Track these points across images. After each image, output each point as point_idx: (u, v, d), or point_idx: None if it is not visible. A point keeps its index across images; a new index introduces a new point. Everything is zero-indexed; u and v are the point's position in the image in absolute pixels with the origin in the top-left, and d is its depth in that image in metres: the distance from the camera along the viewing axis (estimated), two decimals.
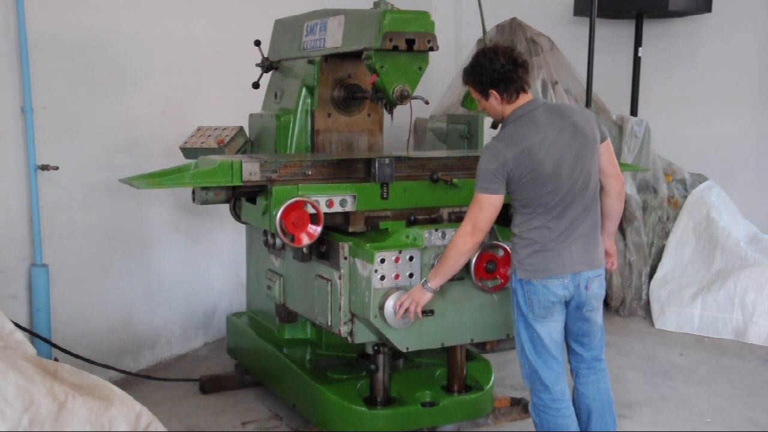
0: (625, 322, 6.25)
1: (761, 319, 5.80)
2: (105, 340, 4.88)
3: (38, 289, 4.40)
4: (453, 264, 3.37)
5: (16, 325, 3.33)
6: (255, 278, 4.75)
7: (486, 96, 3.35)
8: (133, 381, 4.81)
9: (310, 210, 3.59)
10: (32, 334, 4.30)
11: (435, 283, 3.42)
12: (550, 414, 3.43)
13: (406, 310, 3.43)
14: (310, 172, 3.73)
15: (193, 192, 3.89)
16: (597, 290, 3.41)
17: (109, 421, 2.74)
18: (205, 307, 5.67)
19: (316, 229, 3.61)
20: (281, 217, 3.54)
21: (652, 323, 6.23)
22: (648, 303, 6.39)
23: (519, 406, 4.38)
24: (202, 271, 5.60)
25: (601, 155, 3.38)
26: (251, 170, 3.65)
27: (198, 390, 4.77)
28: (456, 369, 4.10)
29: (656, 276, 6.42)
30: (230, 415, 4.44)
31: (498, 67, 3.27)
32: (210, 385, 4.77)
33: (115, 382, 3.57)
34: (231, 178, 3.65)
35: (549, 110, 3.34)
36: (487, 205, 3.24)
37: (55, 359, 3.93)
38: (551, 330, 3.38)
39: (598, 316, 3.49)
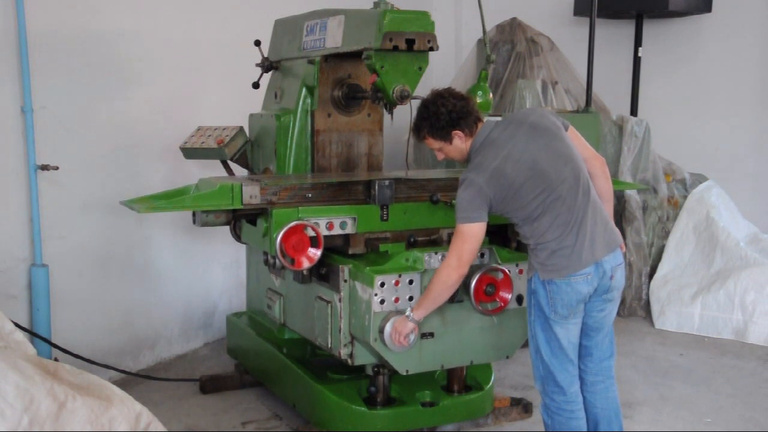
0: (625, 322, 6.25)
1: (761, 319, 5.80)
2: (105, 340, 4.88)
3: (38, 289, 4.40)
4: (438, 297, 3.40)
5: (16, 325, 3.34)
6: (255, 278, 4.75)
7: (449, 139, 3.39)
8: (133, 381, 4.81)
9: (310, 233, 3.61)
10: (32, 334, 4.30)
11: (419, 314, 3.45)
12: (564, 416, 3.43)
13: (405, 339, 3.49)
14: (310, 195, 3.75)
15: (194, 214, 3.94)
16: (619, 280, 3.41)
17: (109, 421, 2.74)
18: (205, 307, 5.67)
19: (316, 253, 3.63)
20: (281, 241, 3.56)
21: (652, 323, 6.23)
22: (648, 303, 6.39)
23: (519, 406, 4.38)
24: (202, 271, 5.60)
25: (572, 142, 3.39)
26: (251, 193, 3.67)
27: (198, 390, 4.77)
28: (456, 369, 4.10)
29: (656, 276, 6.42)
30: (230, 415, 4.44)
31: (451, 107, 3.33)
32: (210, 385, 4.77)
33: (115, 382, 3.57)
34: (231, 201, 3.67)
35: (504, 125, 3.37)
36: (469, 236, 3.24)
37: (55, 359, 3.93)
38: (570, 332, 3.38)
39: (613, 309, 3.48)
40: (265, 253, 3.86)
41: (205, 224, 3.94)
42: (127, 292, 5.04)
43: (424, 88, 3.74)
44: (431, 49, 3.72)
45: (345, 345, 3.68)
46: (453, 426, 4.14)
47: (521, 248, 3.96)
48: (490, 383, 4.21)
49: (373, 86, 3.83)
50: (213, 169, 4.83)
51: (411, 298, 3.56)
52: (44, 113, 4.42)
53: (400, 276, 3.54)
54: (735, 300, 5.91)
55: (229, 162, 4.70)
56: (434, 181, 3.99)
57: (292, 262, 3.63)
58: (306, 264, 3.64)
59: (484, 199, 3.22)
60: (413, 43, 3.66)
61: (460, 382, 4.12)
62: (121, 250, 4.98)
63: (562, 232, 3.26)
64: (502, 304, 3.69)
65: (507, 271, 3.67)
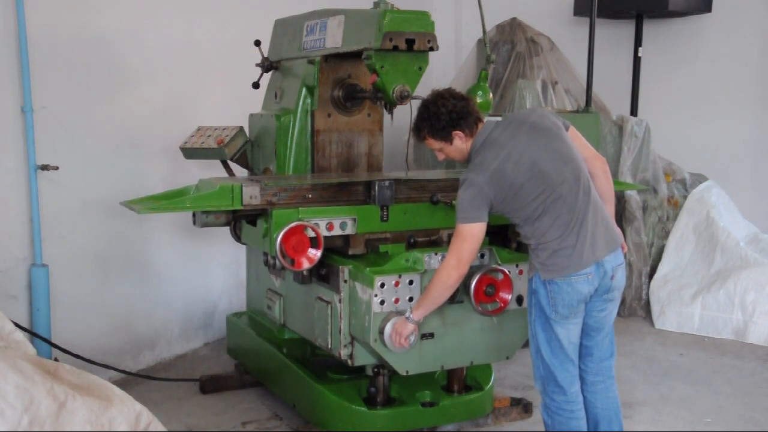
0: (625, 322, 6.25)
1: (761, 319, 5.80)
2: (105, 340, 4.88)
3: (38, 289, 4.40)
4: (437, 297, 3.40)
5: (16, 325, 3.34)
6: (255, 279, 4.75)
7: (450, 139, 3.39)
8: (133, 381, 4.81)
9: (310, 234, 3.62)
10: (32, 334, 4.30)
11: (418, 314, 3.44)
12: (564, 416, 3.43)
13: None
14: (310, 195, 3.75)
15: (194, 215, 3.94)
16: (620, 280, 3.40)
17: (109, 421, 2.74)
18: (205, 307, 5.67)
19: (316, 253, 3.63)
20: (281, 241, 3.57)
21: (652, 323, 6.23)
22: (648, 303, 6.39)
23: (519, 406, 4.38)
24: (202, 271, 5.60)
25: (573, 142, 3.39)
26: (251, 194, 3.67)
27: (198, 390, 4.77)
28: (456, 369, 4.10)
29: (656, 276, 6.42)
30: (230, 415, 4.44)
31: (451, 108, 3.33)
32: (210, 385, 4.77)
33: (115, 382, 3.57)
34: (231, 202, 3.68)
35: (504, 125, 3.37)
36: (469, 236, 3.24)
37: (55, 359, 3.93)
38: (570, 332, 3.37)
39: (614, 309, 3.48)
40: (265, 254, 3.86)
41: (205, 225, 3.94)
42: (127, 292, 5.04)
43: (424, 88, 3.74)
44: (431, 49, 3.72)
45: (345, 345, 3.67)
46: (453, 426, 4.14)
47: (521, 249, 3.96)
48: (490, 383, 4.21)
49: (373, 86, 3.83)
50: (213, 169, 4.83)
51: (411, 299, 3.55)
52: (44, 113, 4.42)
53: (400, 277, 3.54)
54: (735, 300, 5.91)
55: (229, 162, 4.70)
56: (434, 182, 3.99)
57: (292, 262, 3.63)
58: (306, 264, 3.64)
59: (485, 199, 3.22)
60: (413, 43, 3.66)
61: (460, 382, 4.12)
62: (121, 250, 4.98)
63: (563, 232, 3.26)
64: (502, 304, 3.69)
65: (507, 272, 3.67)
